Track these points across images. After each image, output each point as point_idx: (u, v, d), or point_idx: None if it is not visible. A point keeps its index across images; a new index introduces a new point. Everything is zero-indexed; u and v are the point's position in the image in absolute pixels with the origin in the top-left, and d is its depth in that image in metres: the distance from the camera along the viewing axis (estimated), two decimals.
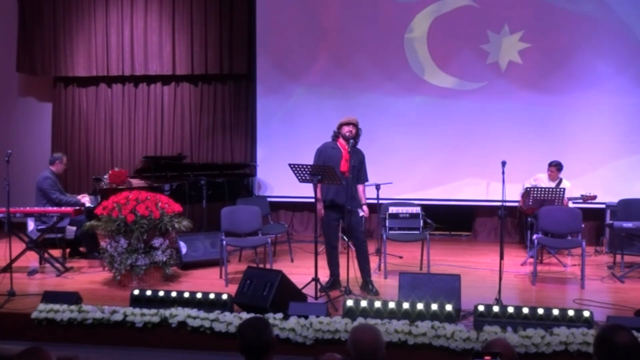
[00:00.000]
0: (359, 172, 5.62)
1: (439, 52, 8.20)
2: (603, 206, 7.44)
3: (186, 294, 4.88)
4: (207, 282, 5.99)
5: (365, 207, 5.68)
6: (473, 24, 8.07)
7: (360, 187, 5.69)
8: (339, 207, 5.48)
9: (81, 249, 7.16)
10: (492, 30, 8.03)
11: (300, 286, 5.14)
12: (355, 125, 5.51)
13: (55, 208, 6.59)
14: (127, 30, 8.97)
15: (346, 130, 5.46)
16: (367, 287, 5.53)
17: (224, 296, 4.80)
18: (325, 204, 5.56)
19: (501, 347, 2.58)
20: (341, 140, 5.53)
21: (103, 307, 4.81)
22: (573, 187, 7.09)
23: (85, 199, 7.01)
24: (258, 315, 4.38)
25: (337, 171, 5.31)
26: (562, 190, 6.56)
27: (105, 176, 7.36)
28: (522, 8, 7.97)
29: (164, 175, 7.93)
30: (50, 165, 7.06)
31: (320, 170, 5.18)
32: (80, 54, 9.11)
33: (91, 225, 6.12)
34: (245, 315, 4.60)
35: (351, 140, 5.45)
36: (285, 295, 4.76)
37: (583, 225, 6.29)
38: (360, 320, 4.45)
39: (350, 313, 4.57)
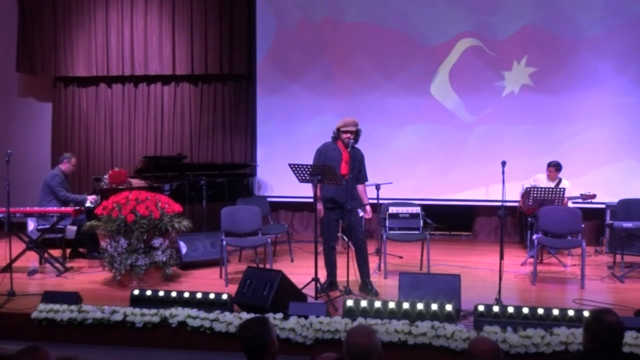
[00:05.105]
0: (359, 173, 5.62)
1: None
2: (603, 206, 7.45)
3: (186, 294, 4.88)
4: (207, 282, 5.99)
5: (368, 208, 5.67)
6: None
7: (360, 187, 5.68)
8: (339, 207, 5.47)
9: (81, 249, 7.17)
10: (503, 69, 8.09)
11: (300, 286, 5.14)
12: (354, 132, 5.48)
13: (55, 208, 6.59)
14: (127, 30, 8.97)
15: (345, 137, 5.45)
16: (366, 287, 5.52)
17: (224, 296, 4.80)
18: (325, 205, 5.55)
19: (486, 345, 2.58)
20: (341, 142, 5.53)
21: (103, 307, 4.81)
22: (573, 187, 7.08)
23: (92, 198, 6.98)
24: (259, 315, 4.37)
25: (337, 172, 5.30)
26: (562, 190, 6.56)
27: (105, 176, 7.37)
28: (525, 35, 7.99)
29: (164, 175, 7.93)
30: (59, 164, 7.17)
31: (320, 170, 5.18)
32: (80, 54, 9.11)
33: (91, 225, 6.13)
34: (245, 315, 4.60)
35: (351, 141, 5.45)
36: (285, 295, 4.76)
37: (583, 225, 6.29)
38: (360, 320, 4.45)
39: (350, 313, 4.57)
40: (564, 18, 7.88)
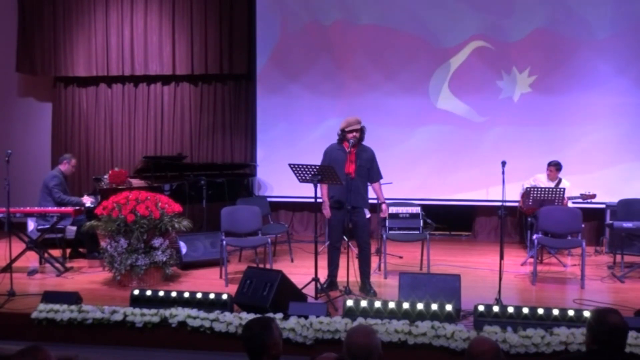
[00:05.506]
0: (369, 171, 5.61)
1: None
2: (603, 206, 7.44)
3: (186, 294, 4.88)
4: (207, 282, 5.99)
5: (384, 206, 5.74)
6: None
7: (375, 186, 5.70)
8: (344, 207, 5.48)
9: (81, 249, 7.17)
10: (505, 72, 8.08)
11: (300, 286, 5.15)
12: (359, 129, 5.49)
13: (55, 208, 6.60)
14: (127, 30, 8.96)
15: (351, 136, 5.45)
16: (366, 288, 5.53)
17: (224, 296, 4.80)
18: (333, 206, 5.56)
19: (486, 345, 2.58)
20: (347, 142, 5.52)
21: (103, 307, 4.81)
22: (573, 187, 7.08)
23: (87, 200, 7.00)
24: (265, 316, 4.34)
25: (342, 172, 5.32)
26: (562, 190, 6.56)
27: (105, 176, 7.37)
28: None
29: (164, 175, 7.93)
30: (59, 164, 7.17)
31: (320, 170, 5.18)
32: (80, 54, 9.11)
33: (91, 225, 6.13)
34: (245, 315, 4.60)
35: (351, 141, 5.44)
36: (285, 295, 4.76)
37: (583, 225, 6.29)
38: (360, 320, 4.45)
39: (350, 313, 4.57)
40: (575, 21, 7.84)
